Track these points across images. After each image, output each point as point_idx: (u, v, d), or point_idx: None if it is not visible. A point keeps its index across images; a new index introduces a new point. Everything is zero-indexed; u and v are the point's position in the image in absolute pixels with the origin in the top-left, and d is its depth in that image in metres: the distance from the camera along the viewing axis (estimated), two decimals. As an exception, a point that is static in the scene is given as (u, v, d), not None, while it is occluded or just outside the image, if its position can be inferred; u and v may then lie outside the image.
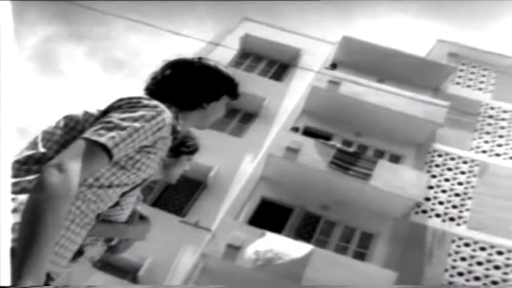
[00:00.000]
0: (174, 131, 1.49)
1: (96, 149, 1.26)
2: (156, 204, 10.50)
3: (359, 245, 10.55)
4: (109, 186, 1.37)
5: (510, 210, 11.01)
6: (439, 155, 12.12)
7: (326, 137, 11.79)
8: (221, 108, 1.71)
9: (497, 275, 10.20)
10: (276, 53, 13.29)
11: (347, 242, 10.58)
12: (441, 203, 11.33)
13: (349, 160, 10.26)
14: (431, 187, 11.58)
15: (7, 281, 1.02)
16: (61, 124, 1.42)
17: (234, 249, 8.94)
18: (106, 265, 8.63)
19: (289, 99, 12.54)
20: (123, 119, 1.32)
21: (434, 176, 11.78)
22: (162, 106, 1.42)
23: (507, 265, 10.32)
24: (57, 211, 1.12)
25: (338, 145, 10.60)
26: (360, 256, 10.32)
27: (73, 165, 1.19)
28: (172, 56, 1.72)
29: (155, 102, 1.42)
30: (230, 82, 1.70)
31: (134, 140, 1.33)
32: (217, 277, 9.15)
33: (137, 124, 1.33)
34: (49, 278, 1.23)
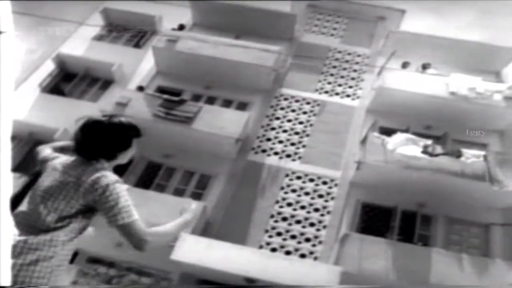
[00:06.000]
0: None
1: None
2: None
3: (196, 187, 11.34)
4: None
5: (337, 144, 11.65)
6: (285, 99, 12.77)
7: (177, 93, 12.59)
8: (133, 147, 2.37)
9: (319, 203, 10.88)
10: (136, 22, 14.09)
11: (186, 185, 11.38)
12: (280, 142, 12.01)
13: (173, 107, 11.03)
14: (273, 128, 12.28)
15: (7, 281, 1.15)
16: None
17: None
18: None
19: (146, 64, 13.36)
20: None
21: (278, 118, 12.47)
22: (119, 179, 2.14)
23: (328, 193, 10.98)
24: None
25: (165, 96, 11.37)
26: (197, 196, 11.11)
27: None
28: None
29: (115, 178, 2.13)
30: (133, 128, 2.35)
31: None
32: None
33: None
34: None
